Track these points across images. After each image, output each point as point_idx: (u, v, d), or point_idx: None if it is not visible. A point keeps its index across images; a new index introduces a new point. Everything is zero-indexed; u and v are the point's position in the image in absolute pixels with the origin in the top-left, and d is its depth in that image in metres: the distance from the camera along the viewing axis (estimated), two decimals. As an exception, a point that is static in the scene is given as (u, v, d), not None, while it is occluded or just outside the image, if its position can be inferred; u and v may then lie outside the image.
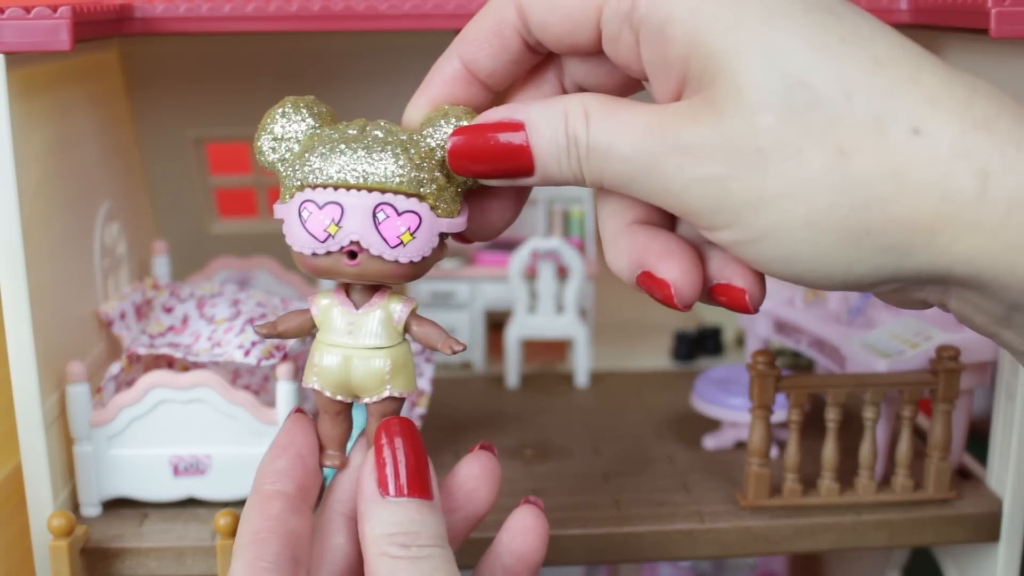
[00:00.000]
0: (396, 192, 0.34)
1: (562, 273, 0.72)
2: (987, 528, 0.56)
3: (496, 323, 0.77)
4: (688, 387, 0.68)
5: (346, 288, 0.37)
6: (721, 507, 0.55)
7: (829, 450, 0.55)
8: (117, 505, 0.54)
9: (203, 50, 0.68)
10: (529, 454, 0.62)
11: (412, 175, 0.35)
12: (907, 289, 0.33)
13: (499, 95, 0.38)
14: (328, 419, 0.38)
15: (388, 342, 0.37)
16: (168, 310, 0.59)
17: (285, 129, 0.36)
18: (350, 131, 0.35)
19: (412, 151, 0.35)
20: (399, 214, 0.34)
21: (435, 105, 0.37)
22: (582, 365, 0.73)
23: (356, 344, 0.37)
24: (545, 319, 0.73)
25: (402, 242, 0.35)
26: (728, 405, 0.62)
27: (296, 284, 0.70)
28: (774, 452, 0.60)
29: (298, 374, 0.53)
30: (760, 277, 0.35)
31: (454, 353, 0.37)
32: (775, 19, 0.31)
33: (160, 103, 0.69)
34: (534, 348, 0.76)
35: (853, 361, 0.59)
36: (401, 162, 0.34)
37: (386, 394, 0.37)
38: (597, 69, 0.37)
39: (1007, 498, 0.55)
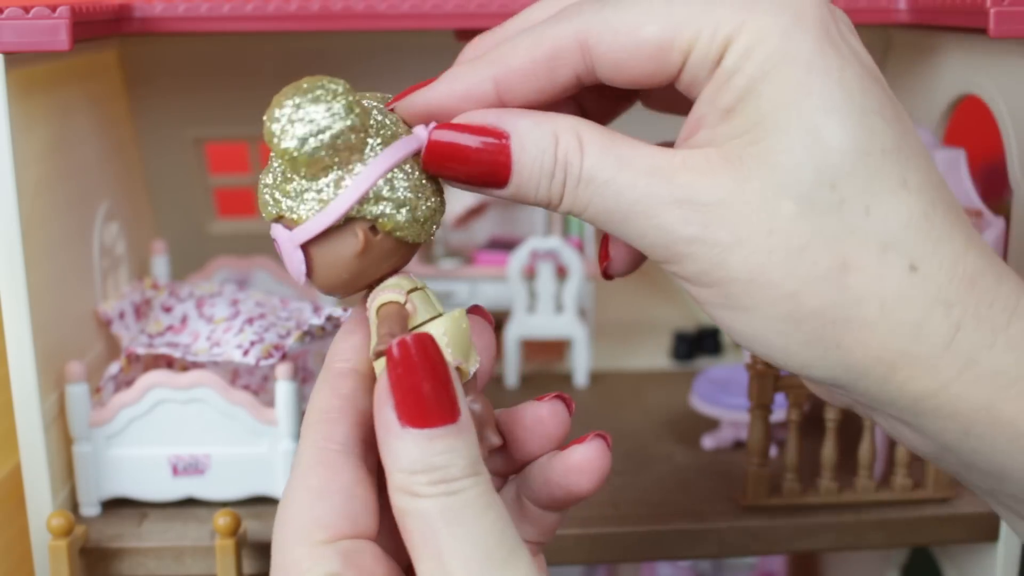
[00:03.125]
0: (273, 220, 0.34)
1: (561, 273, 0.72)
2: (986, 528, 0.56)
3: (495, 323, 0.77)
4: (687, 387, 0.68)
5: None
6: (720, 506, 0.55)
7: (828, 449, 0.55)
8: (116, 505, 0.54)
9: (202, 50, 0.68)
10: (528, 454, 0.62)
11: (270, 196, 0.33)
12: (842, 394, 0.34)
13: None
14: None
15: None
16: (167, 310, 0.59)
17: None
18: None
19: (277, 169, 0.33)
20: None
21: (434, 108, 0.34)
22: (581, 365, 0.73)
23: None
24: (544, 319, 0.73)
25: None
26: (727, 405, 0.62)
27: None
28: (773, 452, 0.60)
29: (297, 374, 0.53)
30: (633, 263, 0.37)
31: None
32: (832, 109, 0.31)
33: (159, 103, 0.69)
34: (533, 348, 0.76)
35: (852, 361, 0.58)
36: (268, 183, 0.34)
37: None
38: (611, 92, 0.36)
39: (1006, 498, 0.55)
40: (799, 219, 0.31)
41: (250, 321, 0.56)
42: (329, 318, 0.54)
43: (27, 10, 0.45)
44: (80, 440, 0.53)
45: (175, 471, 0.54)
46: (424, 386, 0.30)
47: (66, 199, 0.54)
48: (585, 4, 0.33)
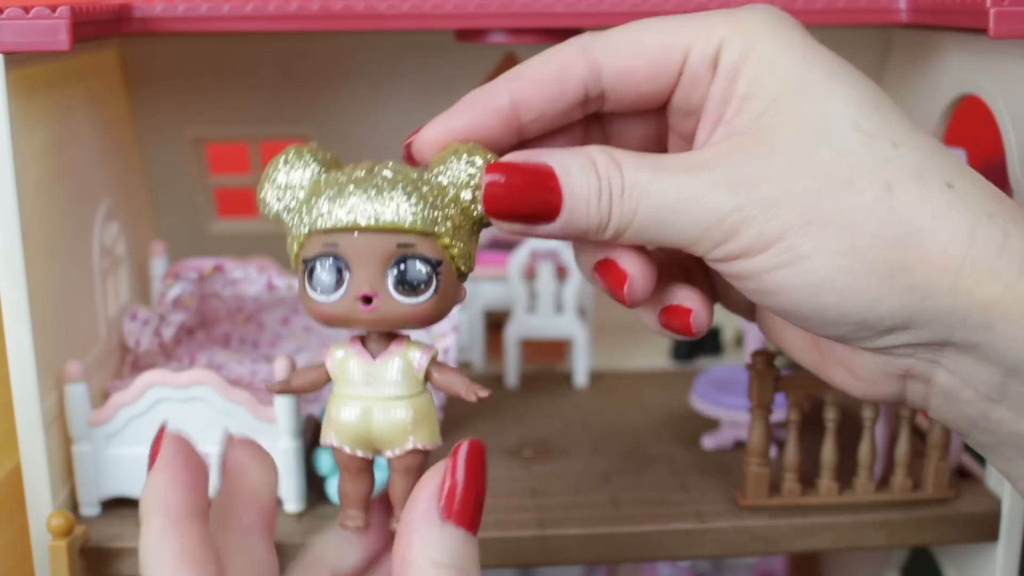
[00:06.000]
0: (409, 232, 0.33)
1: (561, 273, 0.72)
2: (986, 528, 0.56)
3: (495, 323, 0.77)
4: (687, 387, 0.68)
5: (362, 339, 0.36)
6: (720, 507, 0.55)
7: (828, 450, 0.55)
8: (116, 505, 0.54)
9: (202, 50, 0.68)
10: (528, 454, 0.62)
11: (425, 213, 0.33)
12: (901, 349, 0.35)
13: (523, 144, 0.37)
14: (349, 477, 0.36)
15: (409, 391, 0.35)
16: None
17: (289, 177, 0.35)
18: (358, 173, 0.34)
19: (424, 188, 0.34)
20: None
21: (458, 134, 0.36)
22: (581, 365, 0.73)
23: (375, 394, 0.35)
24: (544, 319, 0.73)
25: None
26: (727, 405, 0.62)
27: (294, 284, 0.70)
28: (773, 452, 0.60)
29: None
30: (709, 305, 0.38)
31: (479, 400, 0.35)
32: (834, 75, 0.35)
33: (159, 103, 0.69)
34: (533, 348, 0.76)
35: (852, 361, 0.58)
36: (413, 200, 0.33)
37: (409, 447, 0.35)
38: (630, 129, 0.40)
39: (1006, 498, 0.55)
40: (838, 160, 0.33)
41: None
42: None
43: (27, 10, 0.45)
44: (79, 440, 0.53)
45: (175, 471, 0.53)
46: (480, 492, 0.32)
47: (66, 199, 0.54)
48: (587, 33, 0.37)
